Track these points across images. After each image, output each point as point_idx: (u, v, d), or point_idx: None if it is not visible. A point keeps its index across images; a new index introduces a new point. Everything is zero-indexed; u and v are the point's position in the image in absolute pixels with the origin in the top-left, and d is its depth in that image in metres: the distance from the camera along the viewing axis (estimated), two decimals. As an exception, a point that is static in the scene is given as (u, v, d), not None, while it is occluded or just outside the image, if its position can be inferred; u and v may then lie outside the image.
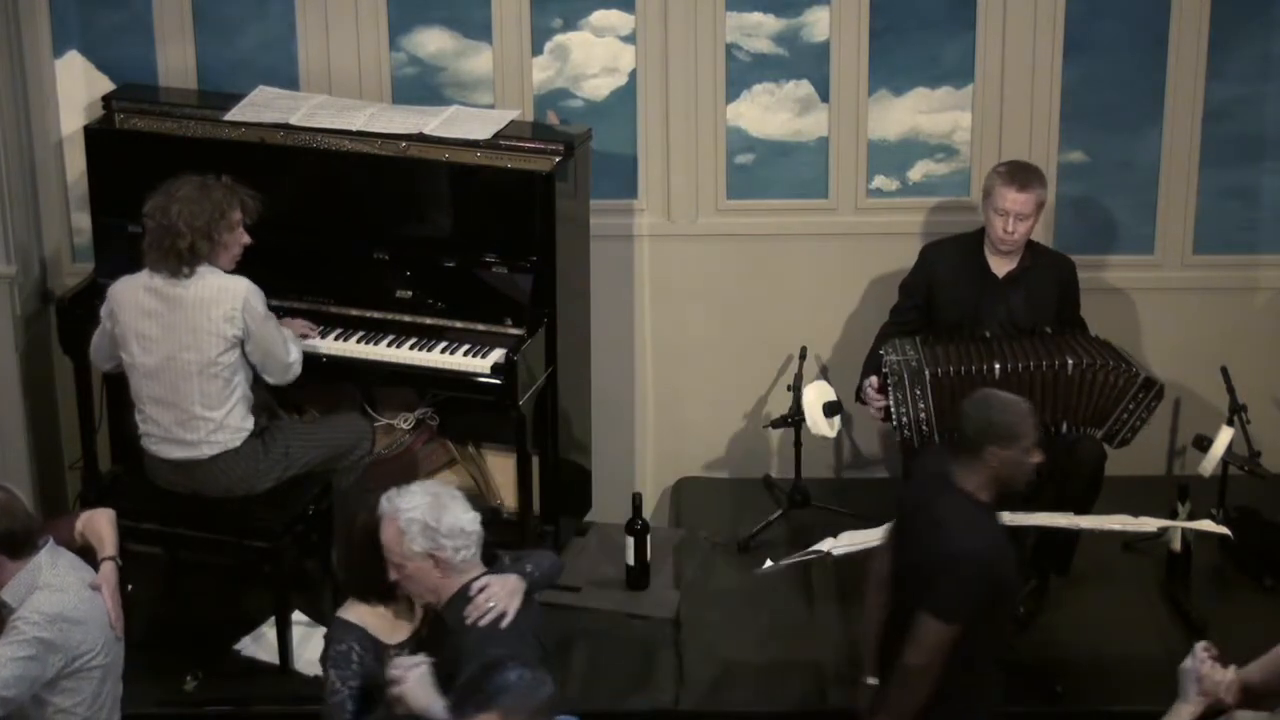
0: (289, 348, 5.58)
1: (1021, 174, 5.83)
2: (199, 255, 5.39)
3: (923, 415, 5.67)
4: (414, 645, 4.57)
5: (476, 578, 4.46)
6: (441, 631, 4.47)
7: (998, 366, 5.68)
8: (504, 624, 4.40)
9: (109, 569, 4.70)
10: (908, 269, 6.12)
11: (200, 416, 5.44)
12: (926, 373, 5.67)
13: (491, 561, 4.55)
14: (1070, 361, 5.68)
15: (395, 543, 4.42)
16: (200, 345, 5.39)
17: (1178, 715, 4.31)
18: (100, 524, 4.81)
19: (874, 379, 5.81)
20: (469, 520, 4.45)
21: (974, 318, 5.91)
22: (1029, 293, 5.93)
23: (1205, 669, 4.29)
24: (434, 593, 4.47)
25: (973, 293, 5.94)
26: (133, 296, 5.45)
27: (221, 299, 5.40)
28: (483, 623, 4.39)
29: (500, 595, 4.43)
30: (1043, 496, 5.89)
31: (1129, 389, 5.69)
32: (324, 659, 4.62)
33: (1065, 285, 6.01)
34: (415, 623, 4.63)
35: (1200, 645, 4.35)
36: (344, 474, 5.77)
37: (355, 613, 4.59)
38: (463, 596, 4.43)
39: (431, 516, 4.40)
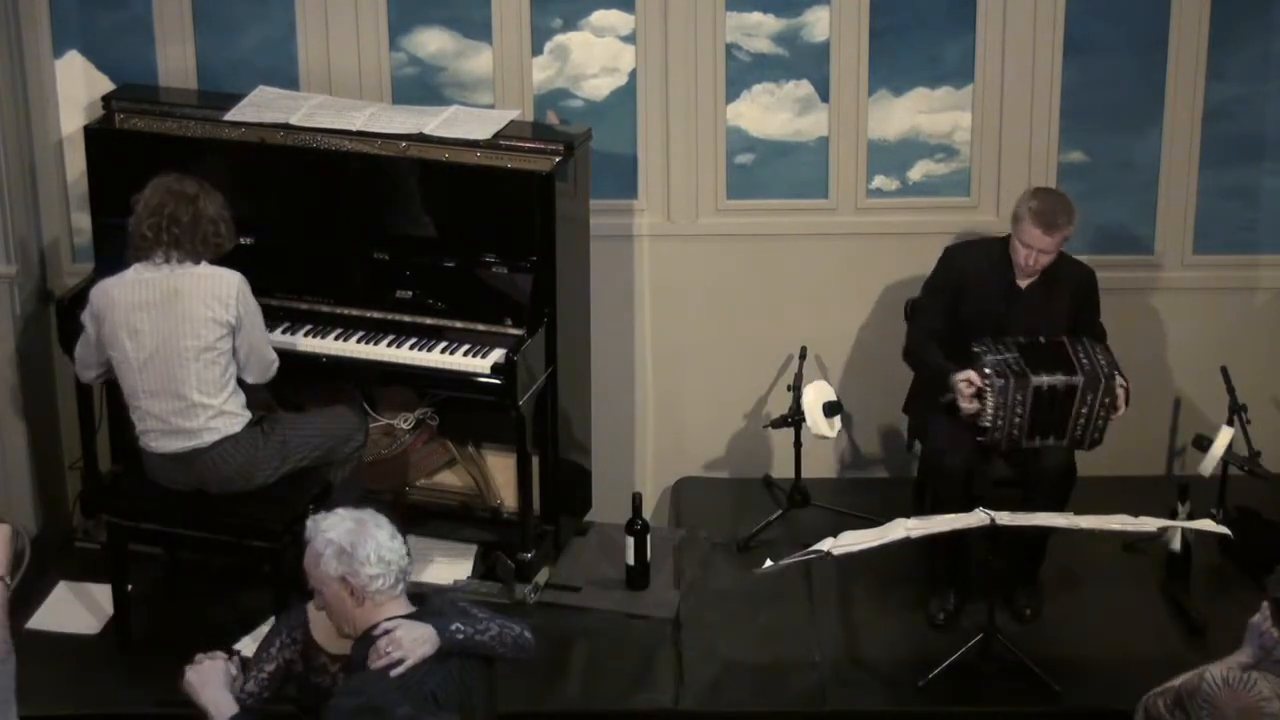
0: (269, 347, 5.63)
1: (1050, 216, 5.73)
2: (223, 243, 5.49)
3: (1017, 421, 5.65)
4: (345, 664, 4.41)
5: (392, 617, 4.29)
6: (350, 666, 4.34)
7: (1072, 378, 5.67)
8: (395, 673, 4.19)
9: None
10: (908, 269, 6.11)
11: (199, 403, 5.45)
12: (1031, 381, 5.66)
13: (421, 601, 4.38)
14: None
15: (313, 566, 4.32)
16: (199, 331, 5.41)
17: (1233, 659, 4.44)
18: None
19: (973, 374, 5.72)
20: (390, 550, 4.30)
21: (995, 325, 5.87)
22: (1044, 302, 5.89)
23: (1266, 626, 4.39)
24: (350, 624, 4.33)
25: (998, 299, 5.90)
26: (123, 294, 5.46)
27: (218, 286, 5.45)
28: (374, 665, 4.22)
29: (404, 643, 4.23)
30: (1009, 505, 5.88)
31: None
32: None
33: (1082, 296, 5.96)
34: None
35: (1268, 603, 4.43)
36: (338, 467, 5.78)
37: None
38: (368, 636, 4.27)
39: (348, 541, 4.28)
